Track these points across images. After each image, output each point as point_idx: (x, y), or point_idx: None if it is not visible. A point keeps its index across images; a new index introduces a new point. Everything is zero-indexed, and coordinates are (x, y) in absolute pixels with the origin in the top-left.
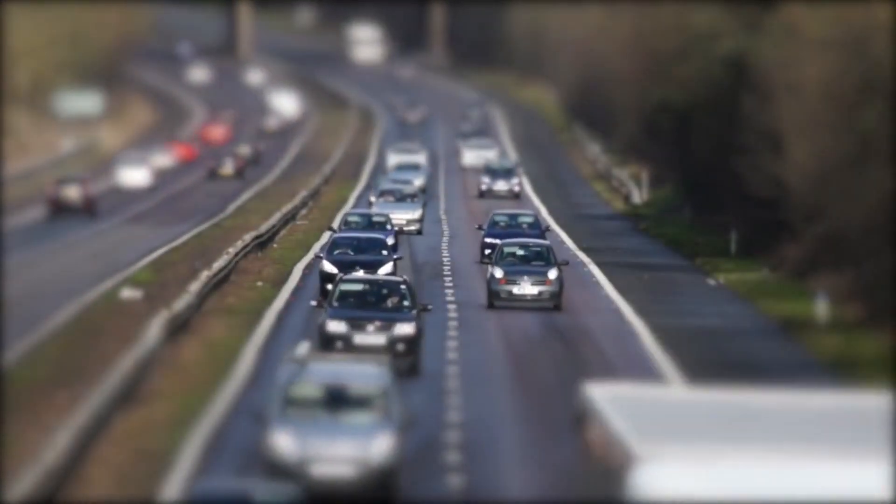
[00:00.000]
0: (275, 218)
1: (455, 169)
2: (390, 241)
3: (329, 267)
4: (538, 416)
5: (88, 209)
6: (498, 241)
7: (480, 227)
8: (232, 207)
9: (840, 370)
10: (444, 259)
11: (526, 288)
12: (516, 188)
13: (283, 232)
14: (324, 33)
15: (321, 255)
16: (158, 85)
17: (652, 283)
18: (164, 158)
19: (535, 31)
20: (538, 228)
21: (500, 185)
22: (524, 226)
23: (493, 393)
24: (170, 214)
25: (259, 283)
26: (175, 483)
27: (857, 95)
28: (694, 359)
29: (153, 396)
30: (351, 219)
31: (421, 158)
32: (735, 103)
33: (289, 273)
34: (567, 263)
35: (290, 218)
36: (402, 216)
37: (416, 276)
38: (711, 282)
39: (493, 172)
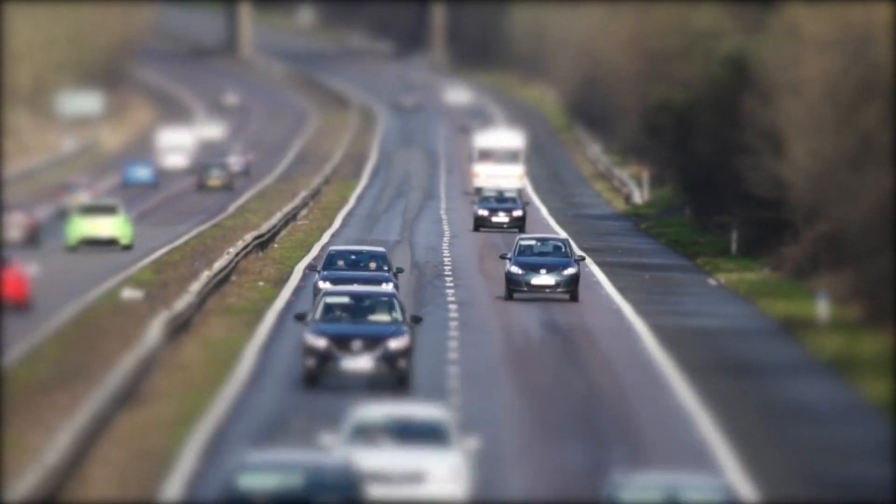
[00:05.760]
0: (275, 218)
1: (456, 169)
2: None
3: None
4: (538, 416)
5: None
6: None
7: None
8: (232, 207)
9: (840, 370)
10: (445, 259)
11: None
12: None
13: (283, 232)
14: (324, 33)
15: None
16: (159, 85)
17: (652, 282)
18: None
19: (536, 31)
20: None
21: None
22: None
23: (493, 393)
24: (170, 214)
25: (260, 283)
26: (175, 483)
27: (858, 95)
28: (694, 359)
29: (154, 396)
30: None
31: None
32: (736, 103)
33: (289, 273)
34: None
35: (290, 218)
36: None
37: (417, 275)
38: (712, 281)
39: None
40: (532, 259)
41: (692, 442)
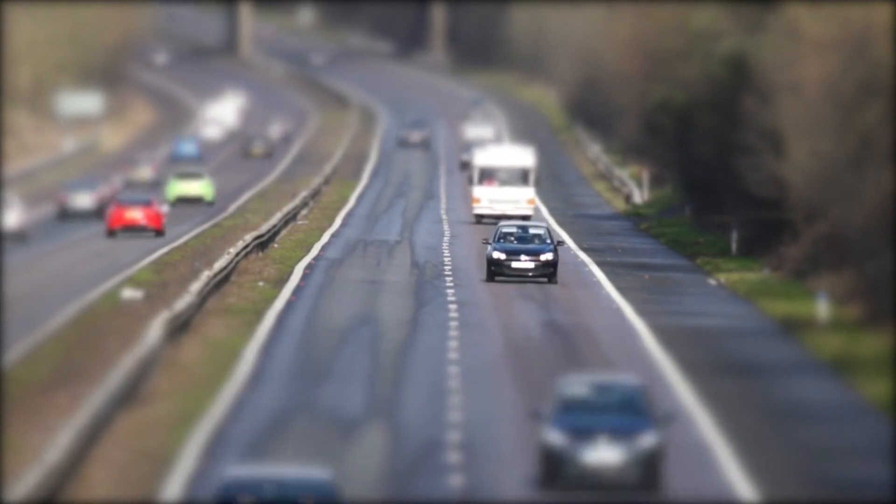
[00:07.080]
0: (275, 218)
1: (456, 170)
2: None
3: None
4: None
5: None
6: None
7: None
8: (232, 207)
9: (840, 370)
10: (445, 259)
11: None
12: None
13: (283, 232)
14: (324, 33)
15: None
16: (159, 85)
17: (653, 282)
18: None
19: (536, 30)
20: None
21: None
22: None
23: (493, 392)
24: (171, 214)
25: (260, 283)
26: (175, 483)
27: (858, 95)
28: (694, 359)
29: (154, 396)
30: None
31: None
32: (735, 103)
33: (290, 273)
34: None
35: (290, 218)
36: None
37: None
38: (712, 281)
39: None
40: (584, 420)
41: (692, 441)
